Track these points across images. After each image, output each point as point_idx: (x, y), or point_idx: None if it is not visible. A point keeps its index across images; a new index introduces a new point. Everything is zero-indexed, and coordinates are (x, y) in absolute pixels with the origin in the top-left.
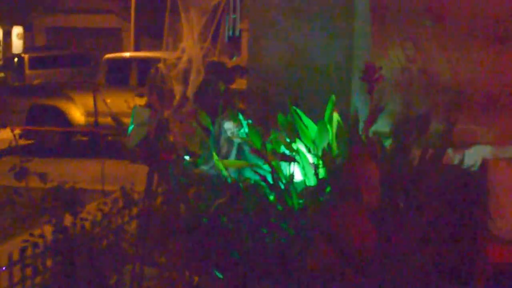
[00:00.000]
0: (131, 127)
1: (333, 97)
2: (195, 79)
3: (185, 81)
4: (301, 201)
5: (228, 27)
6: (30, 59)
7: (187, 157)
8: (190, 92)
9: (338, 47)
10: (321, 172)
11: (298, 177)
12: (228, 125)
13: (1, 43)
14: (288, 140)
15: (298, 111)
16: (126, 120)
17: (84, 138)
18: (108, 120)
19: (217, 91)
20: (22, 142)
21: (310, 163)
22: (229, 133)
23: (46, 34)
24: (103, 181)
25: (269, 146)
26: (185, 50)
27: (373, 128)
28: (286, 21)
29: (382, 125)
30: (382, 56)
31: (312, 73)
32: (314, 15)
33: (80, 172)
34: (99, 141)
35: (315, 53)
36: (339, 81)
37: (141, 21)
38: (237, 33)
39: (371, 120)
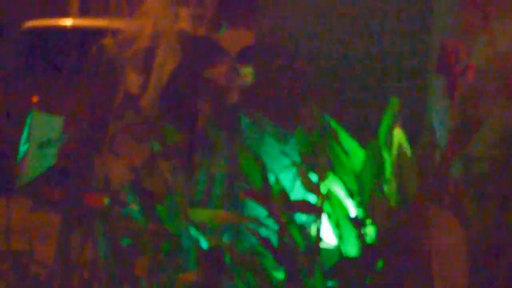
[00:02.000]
0: (23, 148)
1: (395, 100)
2: (163, 65)
3: (146, 68)
4: (331, 283)
5: None
6: None
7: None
8: (153, 87)
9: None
10: (370, 233)
11: (328, 240)
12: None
13: None
14: (312, 175)
15: (334, 124)
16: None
17: None
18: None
19: (201, 87)
20: None
21: (350, 217)
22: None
23: None
24: None
25: (277, 187)
26: (149, 17)
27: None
28: None
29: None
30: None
31: (363, 60)
32: None
33: None
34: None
35: (368, 27)
36: (407, 75)
37: None
38: None
39: (457, 143)
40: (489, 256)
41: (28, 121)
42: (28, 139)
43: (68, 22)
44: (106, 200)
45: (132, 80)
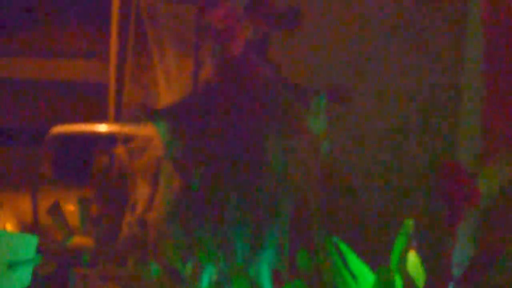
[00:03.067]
0: None
1: (410, 222)
2: (171, 176)
3: (155, 179)
4: None
5: None
6: None
7: None
8: (159, 202)
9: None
10: None
11: None
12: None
13: None
14: None
15: (342, 246)
16: None
17: None
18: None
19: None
20: None
21: None
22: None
23: None
24: None
25: None
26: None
27: None
28: None
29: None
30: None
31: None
32: None
33: None
34: None
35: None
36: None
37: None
38: None
39: (474, 273)
40: None
41: None
42: None
43: (91, 127)
44: None
45: (141, 192)
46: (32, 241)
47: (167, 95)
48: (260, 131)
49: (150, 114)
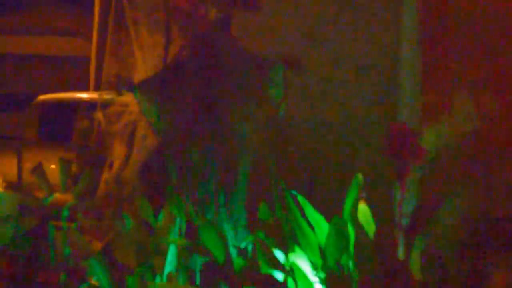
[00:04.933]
0: None
1: (360, 176)
2: (144, 138)
3: (131, 141)
4: None
5: None
6: None
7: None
8: (134, 160)
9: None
10: None
11: None
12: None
13: None
14: (276, 250)
15: (300, 198)
16: None
17: None
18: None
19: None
20: None
21: None
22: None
23: None
24: None
25: (239, 261)
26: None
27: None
28: None
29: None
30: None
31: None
32: None
33: None
34: None
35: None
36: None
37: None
38: None
39: (419, 223)
40: None
41: None
42: None
43: (73, 95)
44: (62, 276)
45: (118, 151)
46: (15, 198)
47: (142, 67)
48: (223, 99)
49: (127, 85)
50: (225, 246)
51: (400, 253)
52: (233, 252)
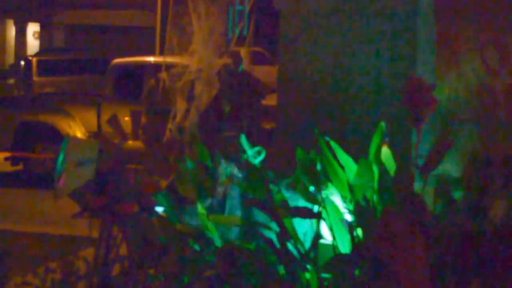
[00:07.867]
0: (60, 167)
1: (383, 124)
2: (201, 95)
3: (191, 97)
4: (327, 275)
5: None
6: (38, 64)
7: (159, 209)
8: (193, 113)
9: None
10: (359, 233)
11: (327, 238)
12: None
13: (13, 43)
14: (311, 187)
15: (332, 143)
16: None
17: None
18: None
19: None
20: (7, 167)
21: (343, 220)
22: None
23: (66, 33)
24: None
25: (278, 196)
26: (195, 55)
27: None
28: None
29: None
30: (450, 70)
31: (359, 92)
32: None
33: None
34: None
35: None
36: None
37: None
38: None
39: (432, 162)
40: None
41: (64, 145)
42: (64, 160)
43: (149, 58)
44: (136, 208)
45: (180, 107)
46: (95, 144)
47: (198, 34)
48: None
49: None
50: (266, 183)
51: (416, 188)
52: (274, 189)
